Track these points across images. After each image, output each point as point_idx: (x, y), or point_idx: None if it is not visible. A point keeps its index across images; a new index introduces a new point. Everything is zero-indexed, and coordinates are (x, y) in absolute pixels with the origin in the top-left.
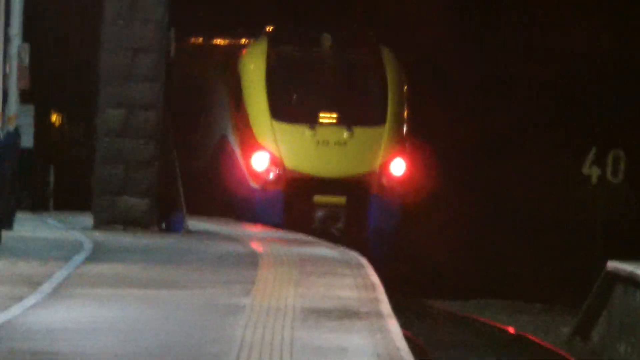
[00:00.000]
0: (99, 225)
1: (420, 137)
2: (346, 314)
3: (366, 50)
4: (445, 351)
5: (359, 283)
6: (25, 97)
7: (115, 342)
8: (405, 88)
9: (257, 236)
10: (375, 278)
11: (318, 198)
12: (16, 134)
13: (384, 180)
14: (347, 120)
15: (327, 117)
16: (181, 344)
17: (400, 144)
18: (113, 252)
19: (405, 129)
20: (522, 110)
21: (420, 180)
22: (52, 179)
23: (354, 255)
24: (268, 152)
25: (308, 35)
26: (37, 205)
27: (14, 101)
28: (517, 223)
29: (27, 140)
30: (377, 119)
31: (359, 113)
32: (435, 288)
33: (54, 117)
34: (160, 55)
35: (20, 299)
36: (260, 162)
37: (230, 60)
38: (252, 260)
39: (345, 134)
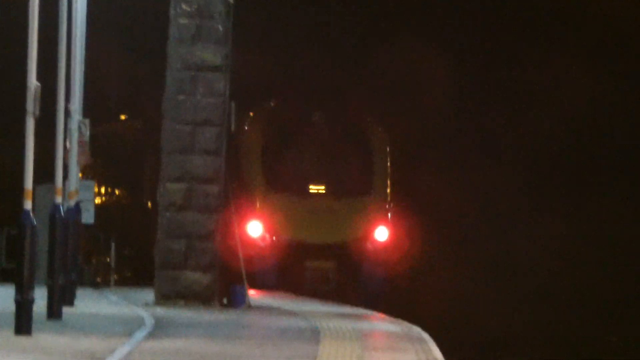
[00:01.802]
0: (160, 300)
1: (408, 202)
2: None
3: (353, 125)
4: None
5: (422, 358)
6: (86, 172)
7: None
8: (389, 160)
9: (318, 311)
10: (437, 353)
11: (309, 262)
12: (77, 209)
13: (369, 246)
14: (335, 191)
15: (316, 188)
16: None
17: (384, 212)
18: (175, 328)
19: (389, 198)
20: (510, 171)
21: (407, 244)
22: (113, 254)
23: (416, 330)
24: (262, 220)
25: (301, 112)
26: (99, 281)
27: (74, 176)
28: (502, 278)
29: (88, 216)
30: (362, 190)
31: (346, 184)
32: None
33: (116, 192)
34: (221, 128)
35: None
36: (254, 230)
37: (235, 133)
38: (313, 335)
39: (333, 204)
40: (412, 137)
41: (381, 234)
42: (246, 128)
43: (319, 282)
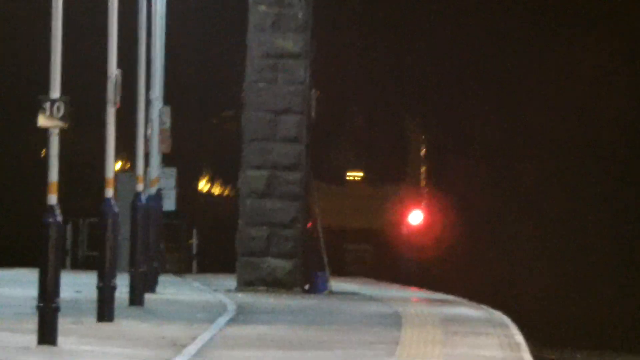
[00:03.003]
0: (242, 286)
1: (442, 189)
2: None
3: (390, 117)
4: None
5: (504, 342)
6: (168, 160)
7: None
8: (424, 148)
9: (398, 296)
10: (519, 337)
11: (348, 245)
12: (158, 196)
13: (404, 229)
14: (371, 178)
15: (353, 175)
16: None
17: (418, 197)
18: (257, 314)
19: (423, 184)
20: (545, 163)
21: (440, 228)
22: (195, 241)
23: (498, 315)
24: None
25: (339, 100)
26: (181, 268)
27: (155, 164)
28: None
29: (169, 203)
30: (397, 177)
31: (381, 172)
32: None
33: (198, 179)
34: (302, 116)
35: None
36: None
37: None
38: (395, 321)
39: (370, 190)
40: (449, 128)
41: (415, 217)
42: None
43: (357, 262)
